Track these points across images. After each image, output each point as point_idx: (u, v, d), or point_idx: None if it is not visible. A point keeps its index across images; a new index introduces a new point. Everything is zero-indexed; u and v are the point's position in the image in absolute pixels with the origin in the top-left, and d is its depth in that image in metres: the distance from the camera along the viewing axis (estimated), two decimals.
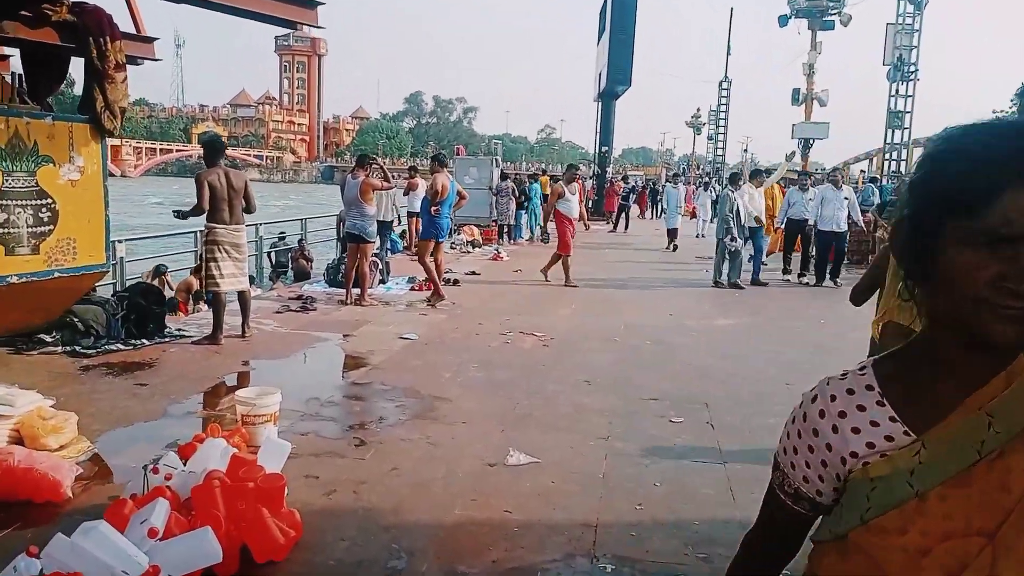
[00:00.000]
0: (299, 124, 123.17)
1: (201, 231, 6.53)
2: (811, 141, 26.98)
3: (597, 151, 29.16)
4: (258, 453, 3.38)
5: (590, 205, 27.97)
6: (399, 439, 4.26)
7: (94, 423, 4.25)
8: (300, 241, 16.97)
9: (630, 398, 5.23)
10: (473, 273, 11.53)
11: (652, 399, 5.19)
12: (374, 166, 8.99)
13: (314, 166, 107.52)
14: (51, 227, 5.06)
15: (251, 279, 13.22)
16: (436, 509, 3.36)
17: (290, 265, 17.19)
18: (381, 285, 9.93)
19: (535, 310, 8.65)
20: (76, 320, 5.76)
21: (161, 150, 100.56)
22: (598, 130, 28.97)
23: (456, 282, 10.22)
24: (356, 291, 8.63)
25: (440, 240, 9.06)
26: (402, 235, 15.85)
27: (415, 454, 4.03)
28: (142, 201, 52.20)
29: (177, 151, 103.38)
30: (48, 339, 5.62)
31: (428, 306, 8.59)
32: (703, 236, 19.01)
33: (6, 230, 4.76)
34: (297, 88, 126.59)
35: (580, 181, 20.54)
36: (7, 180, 4.76)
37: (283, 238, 17.54)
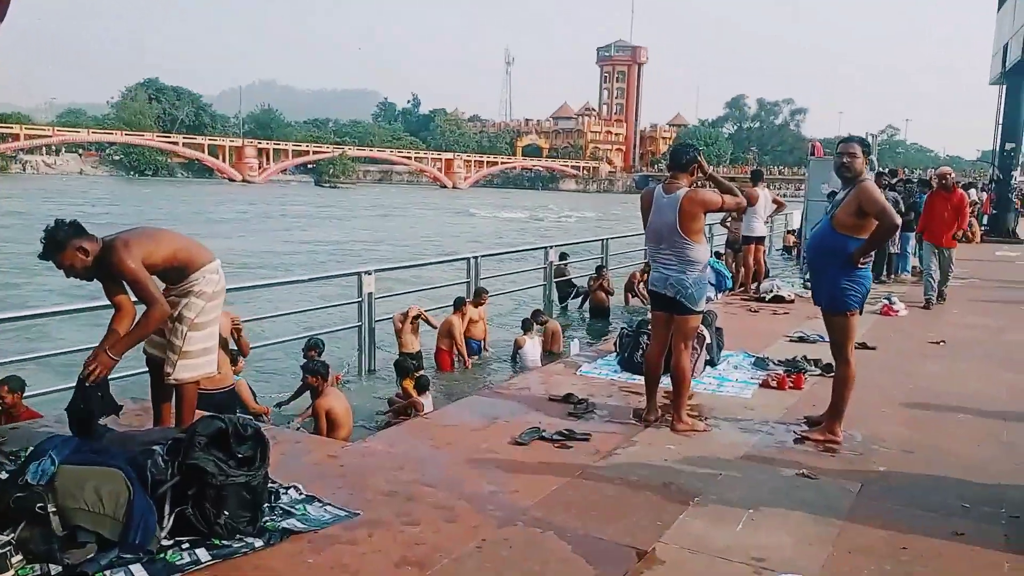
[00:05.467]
0: (616, 134, 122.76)
1: None
2: None
3: (998, 149, 21.70)
4: None
5: (984, 221, 21.07)
6: None
7: None
8: (599, 268, 13.35)
9: None
10: (863, 346, 6.82)
11: None
12: (700, 170, 4.81)
13: (629, 176, 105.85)
14: None
15: (526, 323, 9.99)
16: None
17: (581, 298, 13.68)
18: (708, 369, 5.88)
19: None
20: (50, 511, 2.64)
21: (488, 163, 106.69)
22: (1000, 121, 21.74)
23: None
24: (666, 383, 4.73)
25: None
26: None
27: None
28: (464, 209, 53.77)
29: (502, 163, 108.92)
30: None
31: (811, 440, 4.34)
32: None
33: None
34: (616, 98, 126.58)
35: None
36: None
37: (565, 261, 13.87)
